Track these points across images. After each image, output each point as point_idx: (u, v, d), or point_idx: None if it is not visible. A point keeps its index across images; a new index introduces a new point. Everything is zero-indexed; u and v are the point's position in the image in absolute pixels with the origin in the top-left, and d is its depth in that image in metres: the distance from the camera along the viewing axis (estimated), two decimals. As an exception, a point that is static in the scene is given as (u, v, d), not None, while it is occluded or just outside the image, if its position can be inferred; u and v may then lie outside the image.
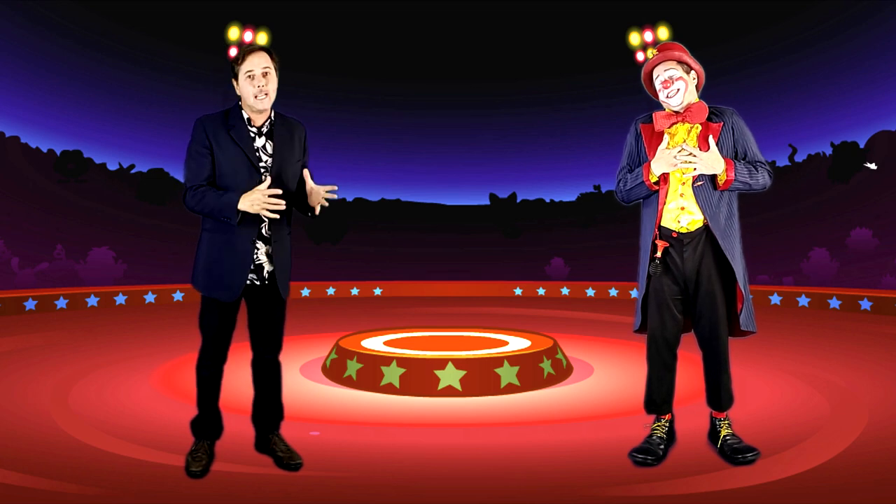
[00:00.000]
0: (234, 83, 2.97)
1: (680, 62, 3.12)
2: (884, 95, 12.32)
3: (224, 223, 2.88)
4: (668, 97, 3.12)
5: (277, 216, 2.87)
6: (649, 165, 3.12)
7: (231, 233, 2.89)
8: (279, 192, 2.85)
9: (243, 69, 2.90)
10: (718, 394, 3.20)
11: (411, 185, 15.91)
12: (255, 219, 2.92)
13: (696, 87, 3.18)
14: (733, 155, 3.13)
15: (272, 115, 3.03)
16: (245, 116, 2.97)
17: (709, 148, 3.04)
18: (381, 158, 15.48)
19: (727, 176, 3.02)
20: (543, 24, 15.18)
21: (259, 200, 2.80)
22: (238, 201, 2.81)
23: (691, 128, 3.14)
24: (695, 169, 3.03)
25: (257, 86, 2.89)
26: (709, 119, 3.14)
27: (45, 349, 6.17)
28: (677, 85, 3.10)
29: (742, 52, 13.86)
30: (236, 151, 2.90)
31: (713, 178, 3.08)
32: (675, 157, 3.03)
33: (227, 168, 2.89)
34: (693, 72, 3.14)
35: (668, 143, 3.14)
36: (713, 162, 3.02)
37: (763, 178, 3.09)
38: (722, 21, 13.55)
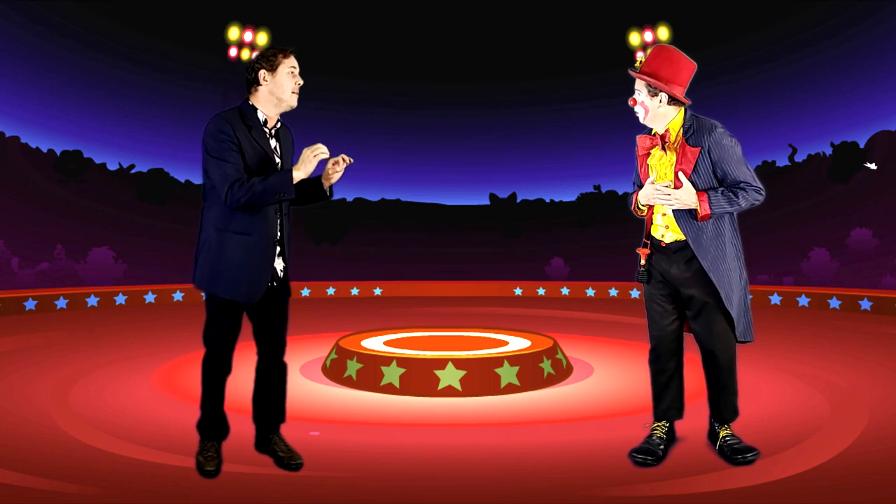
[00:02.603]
0: (266, 74, 2.90)
1: (649, 85, 3.06)
2: (884, 95, 12.31)
3: (249, 221, 2.86)
4: (636, 114, 3.17)
5: (327, 155, 2.85)
6: (637, 195, 3.23)
7: (255, 233, 2.87)
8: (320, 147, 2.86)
9: (287, 63, 2.92)
10: (719, 407, 3.21)
11: (411, 185, 15.90)
12: (274, 218, 2.93)
13: (680, 98, 3.07)
14: (713, 178, 3.04)
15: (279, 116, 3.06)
16: (262, 118, 2.96)
17: (682, 183, 3.02)
18: (381, 158, 15.46)
19: (702, 211, 2.98)
20: (544, 25, 15.17)
21: (308, 157, 2.80)
22: (291, 175, 2.80)
23: (663, 154, 3.12)
24: (671, 205, 3.04)
25: (297, 83, 2.94)
26: (686, 141, 3.06)
27: (45, 349, 6.17)
28: (637, 109, 3.13)
29: (742, 52, 13.85)
30: (260, 153, 2.91)
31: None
32: (652, 194, 3.08)
33: (255, 168, 2.87)
34: (661, 95, 3.05)
35: (651, 168, 3.17)
36: (686, 198, 3.00)
37: (746, 202, 3.00)
38: (722, 21, 13.54)
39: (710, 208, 2.98)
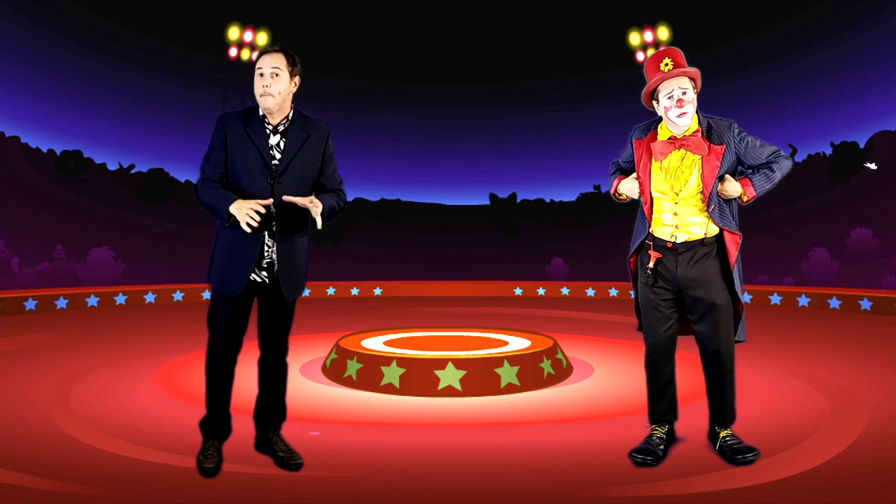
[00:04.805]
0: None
1: (692, 79, 3.05)
2: (884, 95, 12.33)
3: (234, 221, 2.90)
4: (678, 117, 3.03)
5: (250, 230, 2.80)
6: (620, 181, 3.28)
7: (241, 230, 2.88)
8: (268, 203, 2.83)
9: (257, 66, 2.96)
10: (721, 411, 3.21)
11: (411, 185, 15.93)
12: (267, 217, 2.92)
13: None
14: (735, 173, 3.11)
15: (291, 113, 3.02)
16: (261, 114, 2.98)
17: (715, 173, 3.04)
18: (381, 158, 15.48)
19: (747, 196, 3.04)
20: (543, 25, 15.18)
21: (244, 210, 2.79)
22: (229, 207, 2.83)
23: (685, 155, 3.08)
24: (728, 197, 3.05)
25: (263, 84, 2.92)
26: (709, 139, 3.06)
27: (45, 349, 6.17)
28: (688, 108, 3.02)
29: (742, 52, 13.88)
30: (250, 148, 2.92)
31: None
32: (719, 190, 3.05)
33: (240, 165, 2.91)
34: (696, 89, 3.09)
35: (662, 168, 3.12)
36: (731, 189, 3.04)
37: (782, 170, 3.08)
38: (722, 21, 13.55)
39: (756, 191, 3.05)
